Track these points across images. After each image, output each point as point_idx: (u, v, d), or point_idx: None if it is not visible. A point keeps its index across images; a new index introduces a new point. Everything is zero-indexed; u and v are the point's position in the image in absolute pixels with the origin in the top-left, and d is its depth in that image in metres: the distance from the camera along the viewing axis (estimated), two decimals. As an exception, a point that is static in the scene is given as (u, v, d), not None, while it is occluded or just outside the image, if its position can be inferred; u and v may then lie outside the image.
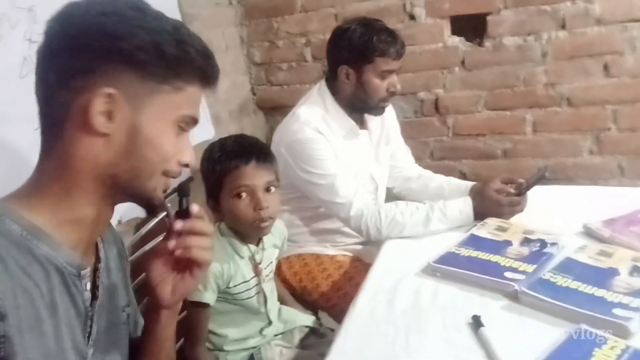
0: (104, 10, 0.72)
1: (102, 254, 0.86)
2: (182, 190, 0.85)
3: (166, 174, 0.79)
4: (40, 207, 0.73)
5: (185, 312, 1.28)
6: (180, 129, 0.79)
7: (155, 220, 1.64)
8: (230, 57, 2.55)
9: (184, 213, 0.83)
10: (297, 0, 2.45)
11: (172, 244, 0.82)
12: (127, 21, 0.72)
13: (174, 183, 0.84)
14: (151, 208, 0.82)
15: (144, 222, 1.70)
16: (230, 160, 1.26)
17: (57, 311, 0.72)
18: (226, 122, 2.46)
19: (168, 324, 0.91)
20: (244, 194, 1.26)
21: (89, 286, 0.79)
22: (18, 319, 0.64)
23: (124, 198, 0.80)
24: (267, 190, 1.28)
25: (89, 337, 0.79)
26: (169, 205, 0.86)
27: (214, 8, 2.41)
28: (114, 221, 1.61)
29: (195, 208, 0.83)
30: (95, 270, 0.83)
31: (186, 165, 0.81)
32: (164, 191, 0.81)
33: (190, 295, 1.26)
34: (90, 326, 0.79)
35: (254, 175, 1.26)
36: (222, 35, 2.48)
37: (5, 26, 1.26)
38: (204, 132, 2.16)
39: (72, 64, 0.71)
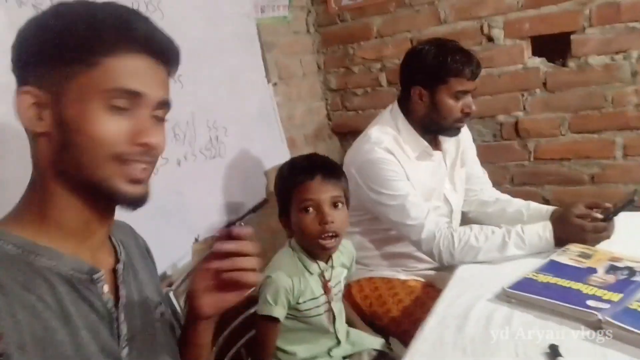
0: (37, 16, 0.75)
1: (121, 254, 0.86)
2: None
3: (119, 158, 0.73)
4: (30, 222, 0.74)
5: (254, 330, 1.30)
6: (113, 106, 0.72)
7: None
8: (307, 84, 2.61)
9: (229, 234, 0.82)
10: (373, 25, 2.48)
11: (215, 264, 0.81)
12: (43, 19, 0.73)
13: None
14: (121, 201, 0.77)
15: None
16: (297, 175, 1.30)
17: (72, 319, 0.72)
18: (301, 147, 2.51)
19: (206, 332, 0.91)
20: (310, 209, 1.28)
21: (106, 288, 0.78)
22: (18, 336, 0.65)
23: (92, 195, 0.75)
24: (335, 205, 1.30)
25: (119, 338, 0.79)
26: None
27: (292, 36, 2.49)
28: (190, 238, 1.71)
29: (246, 230, 0.81)
30: (114, 271, 0.83)
31: (145, 146, 0.74)
32: (134, 180, 0.75)
33: (259, 309, 1.28)
34: (118, 327, 0.79)
35: (320, 190, 1.28)
36: (299, 63, 2.55)
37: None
38: (280, 156, 2.22)
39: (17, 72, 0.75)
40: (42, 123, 0.73)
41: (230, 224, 1.82)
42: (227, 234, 0.81)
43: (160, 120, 0.80)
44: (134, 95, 0.73)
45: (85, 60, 0.71)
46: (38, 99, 0.72)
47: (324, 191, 1.28)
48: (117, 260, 0.85)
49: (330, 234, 1.28)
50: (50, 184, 0.74)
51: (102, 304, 0.77)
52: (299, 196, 1.29)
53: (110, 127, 0.72)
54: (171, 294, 1.25)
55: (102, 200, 0.76)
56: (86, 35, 0.71)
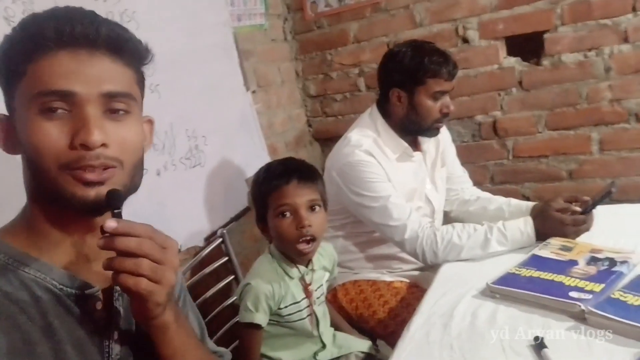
0: None
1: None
2: (108, 201, 0.70)
3: (67, 167, 0.68)
4: (22, 233, 0.74)
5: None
6: (48, 111, 0.68)
7: (213, 245, 1.69)
8: (286, 91, 2.61)
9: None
10: (350, 31, 2.49)
11: (104, 263, 0.68)
12: (5, 37, 0.73)
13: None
14: (80, 208, 0.70)
15: (202, 249, 1.75)
16: (272, 180, 1.29)
17: (55, 333, 0.70)
18: (282, 154, 2.50)
19: (159, 341, 0.76)
20: (287, 213, 1.27)
21: (99, 305, 0.76)
22: None
23: (61, 206, 0.71)
24: (312, 209, 1.29)
25: (108, 357, 0.76)
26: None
27: (270, 44, 2.50)
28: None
29: (108, 224, 0.66)
30: (111, 289, 0.78)
31: (84, 146, 0.68)
32: (87, 182, 0.69)
33: (241, 317, 1.27)
34: (109, 346, 0.77)
35: (296, 194, 1.27)
36: (278, 70, 2.55)
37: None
38: (261, 164, 2.19)
39: None
40: (12, 146, 0.74)
41: (211, 234, 1.81)
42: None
43: (122, 115, 0.73)
44: (64, 96, 0.68)
45: (16, 73, 0.70)
46: (4, 123, 0.74)
47: (300, 195, 1.27)
48: None
49: (307, 238, 1.27)
50: (31, 202, 0.75)
51: (92, 320, 0.75)
52: (275, 201, 1.28)
53: (48, 134, 0.68)
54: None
55: (69, 209, 0.71)
56: (11, 49, 0.71)
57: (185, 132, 1.81)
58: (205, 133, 1.90)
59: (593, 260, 1.24)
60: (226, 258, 1.69)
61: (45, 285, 0.71)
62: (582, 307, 1.04)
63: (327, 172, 1.69)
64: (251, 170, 2.14)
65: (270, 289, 1.28)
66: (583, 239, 1.40)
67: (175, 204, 1.73)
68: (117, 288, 0.78)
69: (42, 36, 0.68)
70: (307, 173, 1.31)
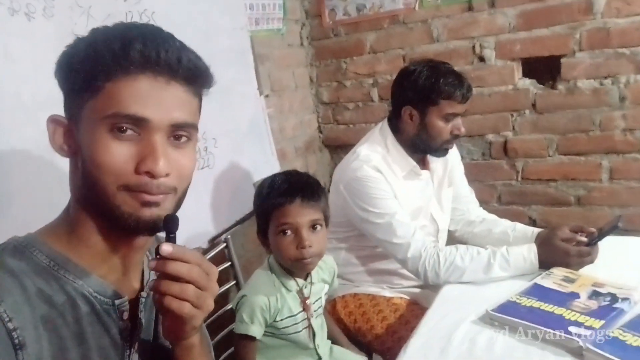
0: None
1: (149, 282, 0.83)
2: (165, 225, 0.73)
3: (128, 189, 0.70)
4: (64, 236, 0.74)
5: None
6: (119, 133, 0.69)
7: (218, 249, 1.70)
8: (299, 96, 2.62)
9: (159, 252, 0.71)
10: (367, 41, 2.50)
11: (150, 284, 0.73)
12: (66, 49, 0.74)
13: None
14: (135, 228, 0.72)
15: (205, 252, 1.76)
16: (276, 197, 1.27)
17: (86, 340, 0.72)
18: (292, 159, 2.51)
19: (183, 357, 0.80)
20: (288, 231, 1.27)
21: (126, 315, 0.78)
22: (39, 349, 0.65)
23: (110, 221, 0.72)
24: (313, 228, 1.28)
25: None
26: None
27: (286, 49, 2.51)
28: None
29: (164, 249, 0.69)
30: (138, 298, 0.81)
31: (149, 174, 0.70)
32: (146, 203, 0.71)
33: (236, 328, 1.28)
34: (129, 357, 0.78)
35: (298, 214, 1.26)
36: (292, 75, 2.56)
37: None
38: (269, 168, 2.22)
39: None
40: (68, 150, 0.74)
41: (215, 237, 1.82)
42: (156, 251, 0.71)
43: (184, 143, 0.75)
44: (137, 120, 0.70)
45: (90, 87, 0.70)
46: (64, 127, 0.74)
47: (302, 215, 1.26)
48: (142, 288, 0.83)
49: (307, 257, 1.27)
50: (76, 208, 0.75)
51: (118, 330, 0.77)
52: (277, 219, 1.27)
53: (114, 154, 0.69)
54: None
55: (120, 226, 0.73)
56: (89, 62, 0.70)
57: (196, 133, 1.82)
58: (215, 135, 1.90)
59: (595, 295, 1.24)
60: (229, 263, 1.70)
61: (82, 291, 0.72)
62: (581, 343, 1.04)
63: (335, 184, 1.69)
64: (259, 175, 2.15)
65: (266, 302, 1.28)
66: (586, 270, 1.40)
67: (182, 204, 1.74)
68: (142, 300, 0.81)
69: (126, 57, 0.69)
70: (310, 191, 1.29)
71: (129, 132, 0.70)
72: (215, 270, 0.75)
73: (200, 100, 0.79)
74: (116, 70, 0.69)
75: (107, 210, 0.71)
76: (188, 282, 0.70)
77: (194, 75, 0.74)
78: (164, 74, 0.71)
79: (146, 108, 0.70)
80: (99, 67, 0.69)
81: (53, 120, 0.74)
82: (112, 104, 0.69)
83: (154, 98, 0.70)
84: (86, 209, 0.74)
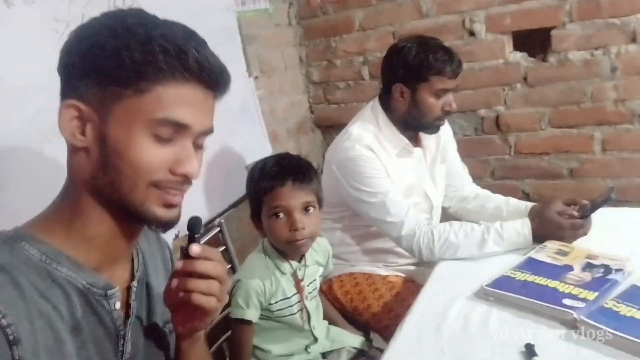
0: (88, 23, 0.72)
1: (138, 271, 0.85)
2: (190, 227, 0.78)
3: (157, 185, 0.72)
4: (57, 229, 0.74)
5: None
6: (159, 135, 0.71)
7: (212, 233, 1.69)
8: (289, 77, 2.59)
9: (187, 252, 0.76)
10: (355, 19, 2.46)
11: (174, 282, 0.76)
12: (98, 30, 0.70)
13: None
14: (153, 224, 0.76)
15: (200, 236, 1.75)
16: (267, 181, 1.27)
17: (82, 332, 0.72)
18: (284, 140, 2.49)
19: (191, 351, 0.86)
20: (280, 214, 1.27)
21: (118, 305, 0.78)
22: (34, 342, 0.65)
23: (124, 214, 0.75)
24: (306, 210, 1.28)
25: (121, 356, 0.79)
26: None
27: (273, 29, 2.47)
28: (170, 235, 1.71)
29: (194, 249, 0.74)
30: (128, 288, 0.82)
31: (184, 176, 0.73)
32: (169, 205, 0.74)
33: (232, 313, 1.28)
34: (123, 345, 0.79)
35: (290, 196, 1.26)
36: (281, 55, 2.53)
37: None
38: (261, 150, 2.20)
39: (61, 81, 0.74)
40: (83, 138, 0.72)
41: (209, 222, 1.82)
42: (185, 251, 0.76)
43: (200, 146, 0.78)
44: (180, 126, 0.72)
45: (136, 84, 0.69)
46: (82, 114, 0.71)
47: (294, 197, 1.26)
48: (133, 277, 0.84)
49: (300, 239, 1.27)
50: (83, 198, 0.74)
51: (111, 320, 0.77)
52: (270, 202, 1.27)
53: (152, 156, 0.71)
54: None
55: (133, 220, 0.76)
56: (141, 59, 0.68)
57: (185, 117, 1.80)
58: (206, 119, 1.89)
59: (588, 267, 1.25)
60: (223, 247, 1.70)
61: (75, 284, 0.72)
62: (575, 315, 1.04)
63: (327, 164, 1.68)
64: (252, 157, 2.14)
65: (261, 286, 1.28)
66: (580, 243, 1.40)
67: (174, 190, 1.73)
68: (133, 289, 0.82)
69: (184, 64, 0.70)
70: (302, 174, 1.28)
71: (168, 136, 0.72)
72: (226, 264, 0.81)
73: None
74: (172, 74, 0.70)
75: (128, 204, 0.73)
76: (214, 278, 0.75)
77: (225, 89, 0.78)
78: (209, 85, 0.74)
79: (191, 115, 0.72)
80: (153, 68, 0.69)
81: (71, 106, 0.71)
82: (161, 109, 0.70)
83: (197, 106, 0.73)
84: (95, 198, 0.74)
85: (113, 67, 0.68)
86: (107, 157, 0.71)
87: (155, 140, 0.71)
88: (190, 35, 0.73)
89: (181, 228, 1.72)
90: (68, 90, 0.72)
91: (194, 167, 0.73)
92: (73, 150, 0.73)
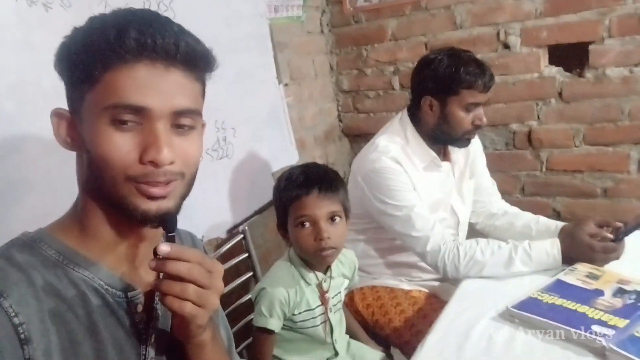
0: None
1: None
2: (163, 224, 0.73)
3: (133, 179, 0.69)
4: (72, 230, 0.74)
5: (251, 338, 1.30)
6: (120, 123, 0.68)
7: (234, 241, 1.70)
8: (319, 85, 2.59)
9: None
10: (388, 28, 2.45)
11: (152, 283, 0.73)
12: (65, 39, 0.71)
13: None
14: (141, 219, 0.71)
15: (223, 243, 1.76)
16: (293, 190, 1.27)
17: (99, 333, 0.71)
18: (311, 148, 2.49)
19: (195, 357, 0.80)
20: (306, 224, 1.26)
21: (140, 308, 0.77)
22: (46, 342, 0.65)
23: (118, 211, 0.72)
24: (332, 219, 1.27)
25: (144, 359, 0.78)
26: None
27: (305, 36, 2.47)
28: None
29: (162, 249, 0.69)
30: (153, 292, 0.80)
31: (151, 163, 0.69)
32: (151, 197, 0.70)
33: (254, 321, 1.27)
34: (146, 349, 0.78)
35: (316, 206, 1.25)
36: (312, 63, 2.53)
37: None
38: (289, 157, 2.21)
39: None
40: (72, 143, 0.73)
41: (233, 227, 1.82)
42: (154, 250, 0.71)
43: (187, 129, 0.73)
44: (138, 110, 0.68)
45: (89, 78, 0.68)
46: (67, 120, 0.73)
47: (320, 207, 1.25)
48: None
49: (326, 251, 1.26)
50: (87, 200, 0.75)
51: (132, 323, 0.76)
52: (296, 211, 1.26)
53: (118, 146, 0.68)
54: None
55: (126, 218, 0.73)
56: (85, 52, 0.68)
57: (214, 123, 1.82)
58: (234, 125, 1.90)
59: (619, 292, 1.20)
60: (246, 254, 1.70)
61: (92, 284, 0.72)
62: (604, 343, 1.01)
63: (353, 175, 1.67)
64: (278, 164, 2.14)
65: (286, 295, 1.27)
66: (611, 267, 1.36)
67: (200, 194, 1.73)
68: (158, 292, 0.80)
69: (122, 46, 0.67)
70: (328, 183, 1.28)
71: (130, 123, 0.68)
72: (220, 268, 0.74)
73: (203, 85, 0.77)
74: (112, 59, 0.67)
75: (115, 201, 0.71)
76: (189, 281, 0.70)
77: (193, 59, 0.72)
78: (162, 61, 0.69)
79: (146, 97, 0.68)
80: (96, 57, 0.67)
81: (56, 114, 0.74)
82: (111, 95, 0.67)
83: (153, 86, 0.68)
84: (94, 200, 0.74)
85: (70, 67, 0.70)
86: (89, 157, 0.71)
87: (118, 130, 0.68)
88: (138, 17, 0.70)
89: (205, 233, 1.75)
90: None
91: (160, 153, 0.68)
92: (76, 154, 0.76)
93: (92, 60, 0.68)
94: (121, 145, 0.68)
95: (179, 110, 0.71)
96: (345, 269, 1.44)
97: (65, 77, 0.73)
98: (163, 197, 0.71)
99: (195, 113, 0.74)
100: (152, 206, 0.71)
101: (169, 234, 0.72)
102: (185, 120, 0.72)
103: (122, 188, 0.70)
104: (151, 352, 0.79)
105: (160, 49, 0.68)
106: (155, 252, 0.69)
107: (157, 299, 0.81)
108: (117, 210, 0.72)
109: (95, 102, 0.69)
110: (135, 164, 0.69)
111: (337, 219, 1.28)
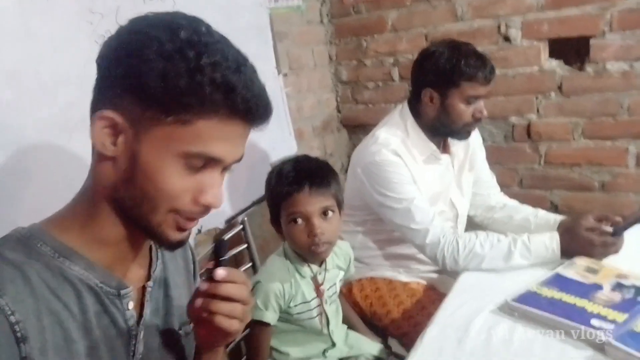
0: (135, 29, 0.69)
1: (156, 271, 0.85)
2: (216, 250, 0.78)
3: (177, 212, 0.71)
4: (71, 228, 0.73)
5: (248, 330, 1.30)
6: (190, 166, 0.69)
7: (234, 231, 1.69)
8: (318, 75, 2.57)
9: (212, 275, 0.76)
10: (388, 19, 2.43)
11: (198, 302, 0.76)
12: (146, 43, 0.65)
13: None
14: (163, 245, 0.77)
15: (222, 233, 1.75)
16: (284, 187, 1.25)
17: (93, 331, 0.72)
18: (309, 138, 2.48)
19: (208, 358, 0.87)
20: (299, 220, 1.25)
21: (131, 305, 0.78)
22: (42, 340, 0.65)
23: (138, 227, 0.74)
24: (324, 214, 1.26)
25: (133, 356, 0.78)
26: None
27: (305, 26, 2.45)
28: (193, 230, 1.71)
29: (219, 273, 0.74)
30: (144, 287, 0.82)
31: (206, 207, 0.72)
32: (182, 229, 0.74)
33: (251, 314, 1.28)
34: (135, 345, 0.78)
35: (308, 202, 1.23)
36: (311, 53, 2.51)
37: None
38: (287, 148, 2.20)
39: (97, 85, 0.72)
40: (114, 149, 0.69)
41: (232, 218, 1.81)
42: (210, 274, 0.76)
43: (227, 169, 0.76)
44: (213, 159, 0.70)
45: (178, 114, 0.66)
46: (116, 125, 0.68)
47: (312, 203, 1.24)
48: (149, 276, 0.84)
49: (320, 247, 1.26)
50: (101, 203, 0.73)
51: (124, 320, 0.77)
52: (287, 208, 1.25)
53: (179, 184, 0.70)
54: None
55: (148, 236, 0.76)
56: (188, 90, 0.65)
57: (213, 113, 1.80)
58: (233, 115, 1.88)
59: (618, 287, 1.21)
60: (245, 245, 1.69)
61: (87, 282, 0.72)
62: (603, 337, 1.01)
63: (352, 167, 1.67)
64: (277, 154, 2.13)
65: (281, 288, 1.27)
66: (610, 261, 1.36)
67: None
68: (149, 289, 0.82)
69: (231, 103, 0.67)
70: (320, 178, 1.26)
71: (199, 166, 0.70)
72: (249, 282, 0.81)
73: None
74: (217, 111, 0.67)
75: (144, 224, 0.72)
76: (237, 301, 0.75)
77: (267, 122, 0.74)
78: (252, 122, 0.71)
79: (228, 151, 0.71)
80: (199, 102, 0.66)
81: (105, 118, 0.68)
82: (200, 143, 0.68)
83: (236, 142, 0.72)
84: (113, 208, 0.73)
85: (158, 91, 0.65)
86: (134, 175, 0.69)
87: (187, 174, 0.70)
88: (241, 65, 0.69)
89: (204, 223, 1.74)
90: (105, 98, 0.69)
91: (217, 198, 0.72)
92: (100, 156, 0.71)
93: (191, 100, 0.66)
94: (186, 186, 0.70)
95: (236, 161, 0.75)
96: (340, 261, 1.44)
97: (138, 91, 0.67)
98: (188, 229, 0.76)
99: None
100: (180, 237, 0.75)
101: (221, 259, 0.77)
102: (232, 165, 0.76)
103: (160, 216, 0.71)
104: (140, 348, 0.79)
105: (258, 116, 0.71)
106: (209, 275, 0.75)
107: (147, 296, 0.82)
108: (137, 225, 0.74)
109: (177, 139, 0.67)
110: (189, 202, 0.71)
111: (330, 213, 1.27)
